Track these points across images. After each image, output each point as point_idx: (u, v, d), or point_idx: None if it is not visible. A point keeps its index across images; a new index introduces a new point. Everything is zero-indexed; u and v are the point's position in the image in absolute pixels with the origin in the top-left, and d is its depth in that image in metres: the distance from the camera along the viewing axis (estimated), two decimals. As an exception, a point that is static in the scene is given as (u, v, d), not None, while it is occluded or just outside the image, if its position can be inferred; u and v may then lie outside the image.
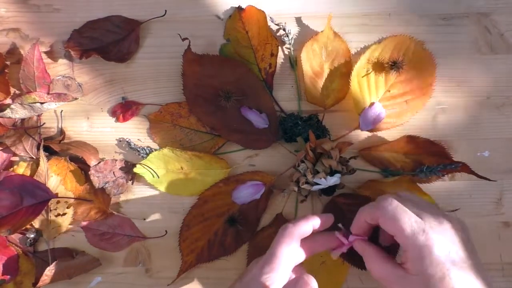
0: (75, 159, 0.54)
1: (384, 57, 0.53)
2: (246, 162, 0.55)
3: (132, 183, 0.55)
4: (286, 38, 0.54)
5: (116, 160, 0.54)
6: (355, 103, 0.53)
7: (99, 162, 0.53)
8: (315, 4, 0.55)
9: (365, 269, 0.50)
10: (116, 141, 0.55)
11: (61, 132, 0.55)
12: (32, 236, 0.53)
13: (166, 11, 0.55)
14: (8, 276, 0.52)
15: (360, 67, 0.53)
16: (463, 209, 0.54)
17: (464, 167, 0.52)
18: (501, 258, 0.54)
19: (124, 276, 0.55)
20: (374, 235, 0.47)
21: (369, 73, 0.53)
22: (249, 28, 0.54)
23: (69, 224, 0.54)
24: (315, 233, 0.46)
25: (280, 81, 0.55)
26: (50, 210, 0.53)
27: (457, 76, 0.55)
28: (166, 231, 0.54)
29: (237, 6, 0.54)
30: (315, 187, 0.50)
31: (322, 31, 0.53)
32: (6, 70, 0.54)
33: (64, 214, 0.54)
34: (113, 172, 0.53)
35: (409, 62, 0.53)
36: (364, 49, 0.54)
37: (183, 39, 0.52)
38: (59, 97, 0.52)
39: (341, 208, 0.52)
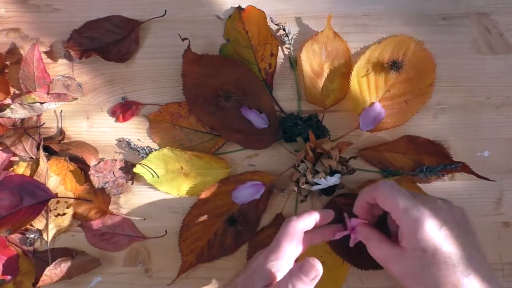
0: (75, 159, 0.54)
1: (384, 57, 0.53)
2: (246, 162, 0.55)
3: (132, 183, 0.55)
4: (286, 38, 0.54)
5: (116, 160, 0.54)
6: (355, 103, 0.53)
7: (99, 162, 0.53)
8: (315, 4, 0.55)
9: (365, 269, 0.51)
10: (116, 141, 0.55)
11: (61, 132, 0.55)
12: (32, 236, 0.53)
13: (166, 11, 0.55)
14: (8, 276, 0.52)
15: (360, 67, 0.53)
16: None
17: (464, 167, 0.52)
18: (501, 258, 0.54)
19: (124, 276, 0.55)
20: (380, 225, 0.47)
21: (369, 73, 0.53)
22: (249, 28, 0.54)
23: (69, 224, 0.54)
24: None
25: (280, 81, 0.55)
26: (50, 210, 0.53)
27: (457, 76, 0.55)
28: (166, 231, 0.54)
29: (237, 6, 0.54)
30: (315, 187, 0.50)
31: (322, 31, 0.53)
32: (6, 70, 0.54)
33: (64, 214, 0.53)
34: (113, 172, 0.53)
35: (409, 62, 0.53)
36: (364, 49, 0.54)
37: (183, 39, 0.52)
38: (59, 97, 0.52)
39: (341, 208, 0.52)
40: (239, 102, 0.53)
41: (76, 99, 0.54)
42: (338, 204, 0.53)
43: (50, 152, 0.54)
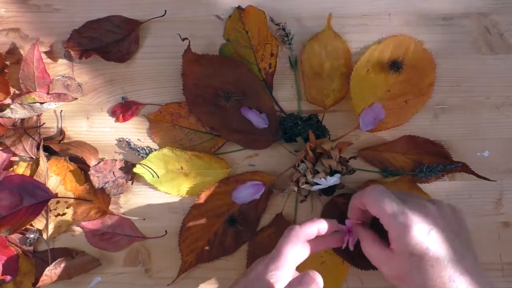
0: (75, 159, 0.54)
1: (384, 57, 0.53)
2: (246, 162, 0.55)
3: (132, 183, 0.55)
4: (286, 38, 0.54)
5: (116, 160, 0.54)
6: (355, 103, 0.53)
7: (99, 162, 0.53)
8: (315, 4, 0.55)
9: (365, 269, 0.51)
10: (116, 141, 0.55)
11: (61, 132, 0.55)
12: (32, 236, 0.53)
13: (166, 11, 0.55)
14: (8, 276, 0.52)
15: (360, 67, 0.53)
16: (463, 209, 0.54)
17: (464, 167, 0.52)
18: (501, 258, 0.54)
19: (124, 276, 0.55)
20: (379, 226, 0.47)
21: (369, 73, 0.53)
22: (249, 28, 0.54)
23: (69, 224, 0.54)
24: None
25: (280, 81, 0.55)
26: (50, 210, 0.53)
27: (457, 76, 0.55)
28: (166, 231, 0.54)
29: (237, 6, 0.54)
30: (315, 187, 0.50)
31: (322, 31, 0.53)
32: (6, 70, 0.54)
33: (64, 214, 0.54)
34: (113, 172, 0.53)
35: (409, 62, 0.53)
36: (364, 49, 0.54)
37: (183, 39, 0.52)
38: (59, 97, 0.52)
39: (340, 208, 0.52)
40: (239, 102, 0.53)
41: (76, 99, 0.54)
42: (338, 204, 0.53)
43: (50, 152, 0.54)
